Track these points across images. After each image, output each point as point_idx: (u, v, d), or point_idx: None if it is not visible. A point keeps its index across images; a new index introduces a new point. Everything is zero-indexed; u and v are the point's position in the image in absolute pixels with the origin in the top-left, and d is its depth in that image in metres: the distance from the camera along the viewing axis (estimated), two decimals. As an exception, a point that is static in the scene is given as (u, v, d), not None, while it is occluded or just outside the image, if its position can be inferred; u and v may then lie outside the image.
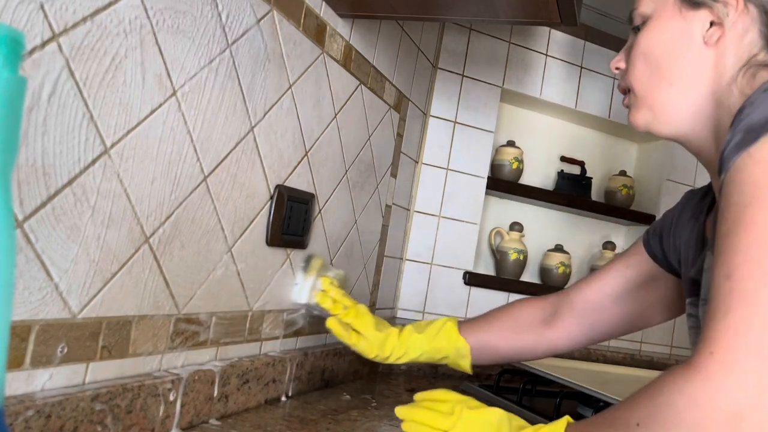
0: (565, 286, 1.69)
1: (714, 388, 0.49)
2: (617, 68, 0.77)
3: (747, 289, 0.51)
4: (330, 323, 0.90)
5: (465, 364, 0.94)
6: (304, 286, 0.95)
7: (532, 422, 0.65)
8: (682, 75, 0.70)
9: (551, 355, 0.97)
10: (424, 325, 0.94)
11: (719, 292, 0.53)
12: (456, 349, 0.93)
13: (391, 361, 0.92)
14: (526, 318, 0.95)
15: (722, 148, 0.58)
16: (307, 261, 0.97)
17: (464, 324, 0.95)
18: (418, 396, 0.75)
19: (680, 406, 0.51)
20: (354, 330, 0.90)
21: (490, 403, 1.24)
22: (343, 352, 1.12)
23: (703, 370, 0.50)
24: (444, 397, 0.73)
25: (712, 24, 0.68)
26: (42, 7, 0.50)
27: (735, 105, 0.65)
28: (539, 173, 1.76)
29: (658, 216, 1.66)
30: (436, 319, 0.95)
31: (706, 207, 0.80)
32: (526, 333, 0.94)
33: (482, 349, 0.93)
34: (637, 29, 0.74)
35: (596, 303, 0.92)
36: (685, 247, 0.81)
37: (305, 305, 0.96)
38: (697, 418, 0.49)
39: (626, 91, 0.75)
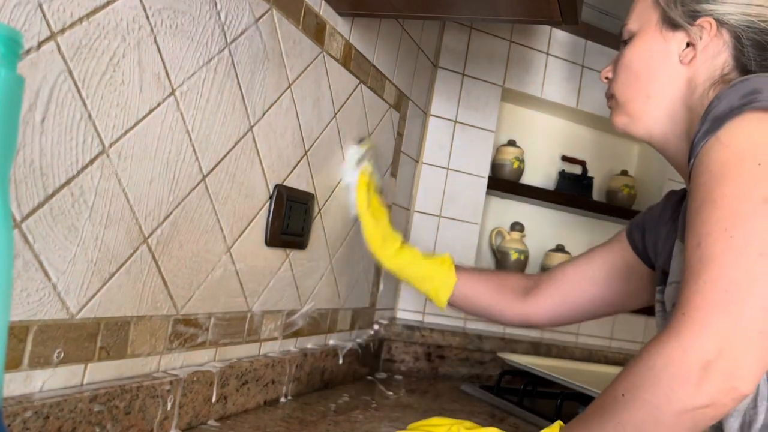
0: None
1: (685, 344, 0.54)
2: (606, 77, 0.85)
3: (714, 253, 0.55)
4: (359, 189, 1.00)
5: (443, 296, 1.01)
6: (352, 168, 1.04)
7: (533, 424, 0.65)
8: (658, 88, 0.77)
9: (522, 323, 1.04)
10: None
11: (691, 261, 0.57)
12: (444, 277, 1.01)
13: (383, 255, 1.00)
14: (512, 282, 1.04)
15: (692, 138, 0.63)
16: (360, 141, 1.06)
17: (459, 265, 1.04)
18: (413, 425, 0.76)
19: (658, 366, 0.55)
20: (372, 216, 1.00)
21: (491, 404, 1.24)
22: (343, 353, 1.11)
23: (676, 330, 0.55)
24: (439, 422, 0.75)
25: (688, 45, 0.75)
26: (40, 6, 0.49)
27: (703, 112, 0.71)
28: (540, 173, 1.76)
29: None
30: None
31: (684, 208, 0.83)
32: (506, 294, 1.02)
33: (464, 290, 1.01)
34: (625, 43, 0.82)
35: (574, 281, 0.99)
36: (662, 243, 0.86)
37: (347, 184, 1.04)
38: (673, 372, 0.54)
39: (611, 96, 0.83)
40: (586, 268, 0.99)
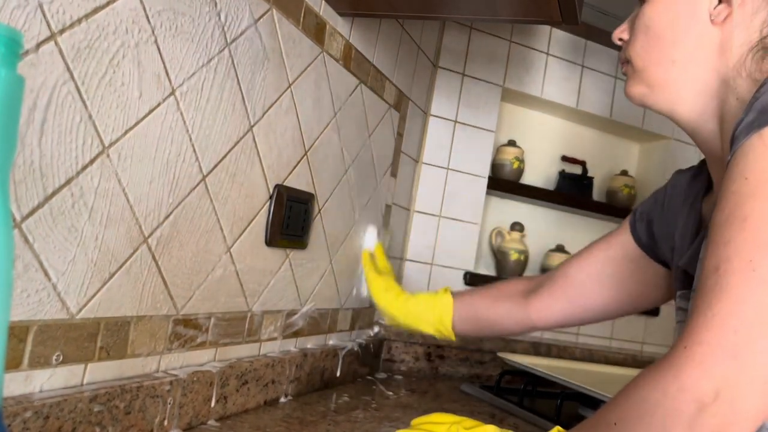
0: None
1: (683, 382, 0.49)
2: (620, 39, 0.75)
3: (730, 284, 0.50)
4: (364, 253, 1.10)
5: (447, 321, 0.96)
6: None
7: (533, 424, 0.66)
8: (684, 53, 0.67)
9: (528, 329, 0.97)
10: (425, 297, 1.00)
11: (705, 284, 0.52)
12: (442, 302, 0.97)
13: (384, 300, 1.00)
14: (510, 289, 0.97)
15: (734, 127, 0.55)
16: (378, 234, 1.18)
17: (456, 293, 0.99)
18: (415, 421, 0.76)
19: (652, 400, 0.51)
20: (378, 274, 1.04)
21: (491, 404, 1.24)
22: (343, 353, 1.11)
23: (675, 366, 0.51)
24: (440, 419, 0.74)
25: (720, 1, 0.65)
26: (40, 7, 0.49)
27: (742, 88, 0.63)
28: (540, 173, 1.76)
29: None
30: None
31: (701, 190, 0.77)
32: (506, 301, 0.95)
33: (464, 308, 0.96)
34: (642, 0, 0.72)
35: (576, 280, 0.91)
36: (679, 236, 0.78)
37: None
38: (667, 408, 0.50)
39: (626, 62, 0.73)
40: (588, 265, 0.91)
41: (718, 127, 0.67)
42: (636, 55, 0.71)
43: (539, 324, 0.95)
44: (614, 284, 0.89)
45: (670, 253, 0.81)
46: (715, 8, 0.65)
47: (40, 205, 0.52)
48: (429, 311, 0.97)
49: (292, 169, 0.90)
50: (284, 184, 0.88)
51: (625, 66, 0.74)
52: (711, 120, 0.67)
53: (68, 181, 0.54)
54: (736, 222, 0.51)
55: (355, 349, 1.16)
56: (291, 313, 0.95)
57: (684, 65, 0.67)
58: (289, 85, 0.86)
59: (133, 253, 0.63)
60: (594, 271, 0.90)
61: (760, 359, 0.48)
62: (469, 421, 0.73)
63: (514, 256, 1.62)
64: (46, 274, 0.53)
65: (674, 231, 0.79)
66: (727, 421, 0.48)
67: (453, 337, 0.98)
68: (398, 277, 1.47)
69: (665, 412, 0.50)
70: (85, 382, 0.59)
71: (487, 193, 1.59)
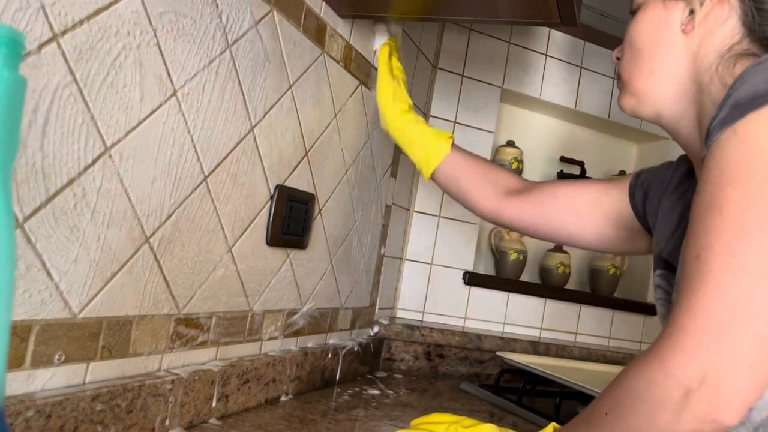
0: (565, 286, 1.69)
1: (668, 369, 0.50)
2: (617, 58, 0.80)
3: (711, 271, 0.50)
4: (383, 50, 1.04)
5: (432, 164, 0.99)
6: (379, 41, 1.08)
7: (532, 422, 0.66)
8: (661, 63, 0.72)
9: (491, 220, 1.01)
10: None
11: (687, 272, 0.53)
12: (438, 146, 0.99)
13: (389, 111, 1.01)
14: (498, 177, 1.00)
15: (708, 123, 0.57)
16: (389, 31, 1.09)
17: (457, 146, 1.02)
18: (415, 421, 0.77)
19: (641, 389, 0.52)
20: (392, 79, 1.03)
21: (490, 403, 1.25)
22: (343, 352, 1.12)
23: (660, 353, 0.52)
24: (439, 419, 0.75)
25: (692, 12, 0.69)
26: (42, 8, 0.50)
27: (716, 94, 0.66)
28: (539, 173, 1.76)
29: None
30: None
31: (694, 183, 0.78)
32: (491, 187, 0.99)
33: (451, 165, 0.99)
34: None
35: (561, 206, 0.95)
36: (663, 218, 0.80)
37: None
38: (654, 397, 0.51)
39: (618, 77, 0.79)
40: (578, 199, 0.94)
41: (697, 131, 0.70)
42: (623, 70, 0.76)
43: (505, 222, 1.00)
44: (595, 227, 0.93)
45: (653, 228, 0.85)
46: (685, 18, 0.70)
47: (42, 206, 0.52)
48: (423, 146, 1.00)
49: (293, 170, 0.90)
50: (285, 184, 0.88)
51: (618, 81, 0.79)
52: (690, 124, 0.71)
53: (70, 182, 0.55)
54: (714, 210, 0.52)
55: (356, 348, 1.16)
56: (292, 313, 0.96)
57: (661, 74, 0.72)
58: (290, 86, 0.86)
59: (135, 253, 0.63)
60: (581, 207, 0.94)
61: (744, 342, 0.48)
62: (468, 420, 0.74)
63: (513, 256, 1.62)
64: (49, 274, 0.54)
65: (662, 213, 0.82)
66: (713, 405, 0.49)
67: (427, 179, 1.02)
68: (397, 276, 1.48)
69: (653, 399, 0.51)
70: (87, 381, 0.60)
71: (487, 194, 1.59)
